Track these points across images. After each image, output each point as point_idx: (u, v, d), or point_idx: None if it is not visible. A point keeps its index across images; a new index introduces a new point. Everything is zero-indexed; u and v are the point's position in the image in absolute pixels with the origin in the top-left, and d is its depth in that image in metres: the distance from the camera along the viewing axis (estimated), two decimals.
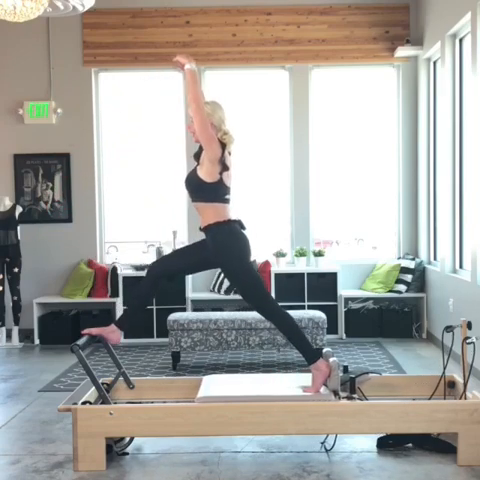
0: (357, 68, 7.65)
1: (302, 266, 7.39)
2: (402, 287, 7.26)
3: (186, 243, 7.45)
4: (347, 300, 7.33)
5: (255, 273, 4.02)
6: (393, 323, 7.13)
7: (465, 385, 3.82)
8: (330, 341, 6.62)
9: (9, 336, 7.15)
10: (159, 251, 7.30)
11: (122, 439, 3.89)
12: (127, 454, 3.83)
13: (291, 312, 4.06)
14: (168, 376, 5.63)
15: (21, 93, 7.53)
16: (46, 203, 7.64)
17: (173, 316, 6.03)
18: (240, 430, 3.70)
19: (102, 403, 3.77)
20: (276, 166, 7.78)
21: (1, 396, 5.16)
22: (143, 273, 7.09)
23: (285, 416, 3.62)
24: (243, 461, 3.74)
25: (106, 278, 7.39)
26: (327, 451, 3.82)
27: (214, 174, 3.89)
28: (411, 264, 7.26)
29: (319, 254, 7.37)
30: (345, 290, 7.39)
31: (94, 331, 3.97)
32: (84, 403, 3.71)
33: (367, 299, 7.37)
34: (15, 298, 7.13)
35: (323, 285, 7.22)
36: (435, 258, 7.08)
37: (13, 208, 7.22)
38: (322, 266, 7.36)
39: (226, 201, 3.96)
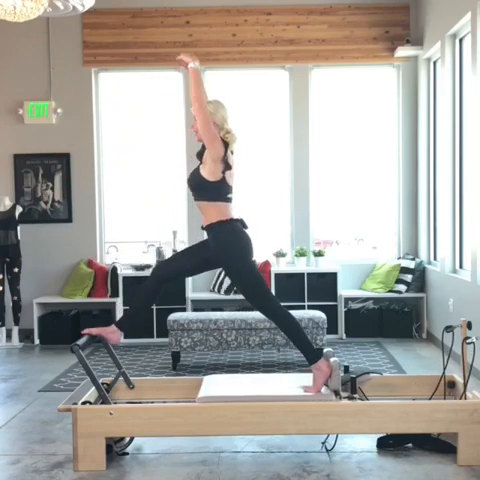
0: (357, 68, 7.65)
1: (302, 266, 7.39)
2: (402, 287, 7.25)
3: (186, 243, 7.46)
4: (347, 300, 7.33)
5: (257, 272, 4.00)
6: (393, 323, 7.13)
7: (465, 385, 3.82)
8: (330, 341, 6.61)
9: (9, 336, 7.15)
10: (159, 251, 7.29)
11: (122, 439, 3.89)
12: (127, 454, 3.83)
13: (291, 312, 4.05)
14: (168, 376, 5.63)
15: (21, 93, 7.53)
16: (46, 203, 7.64)
17: (173, 316, 6.02)
18: (240, 430, 3.70)
19: (102, 403, 3.77)
20: (276, 166, 7.78)
21: (1, 396, 5.16)
22: (143, 273, 7.15)
23: (285, 416, 3.62)
24: (243, 461, 3.74)
25: (106, 278, 7.38)
26: (328, 451, 3.81)
27: (217, 173, 3.88)
28: (411, 264, 7.26)
29: (319, 254, 7.37)
30: (345, 290, 7.39)
31: (94, 331, 3.97)
32: (84, 403, 3.71)
33: (367, 299, 7.37)
34: (15, 298, 7.13)
35: (323, 285, 7.22)
36: (435, 258, 7.08)
37: (13, 208, 7.22)
38: (322, 266, 7.36)
39: (228, 200, 3.96)
